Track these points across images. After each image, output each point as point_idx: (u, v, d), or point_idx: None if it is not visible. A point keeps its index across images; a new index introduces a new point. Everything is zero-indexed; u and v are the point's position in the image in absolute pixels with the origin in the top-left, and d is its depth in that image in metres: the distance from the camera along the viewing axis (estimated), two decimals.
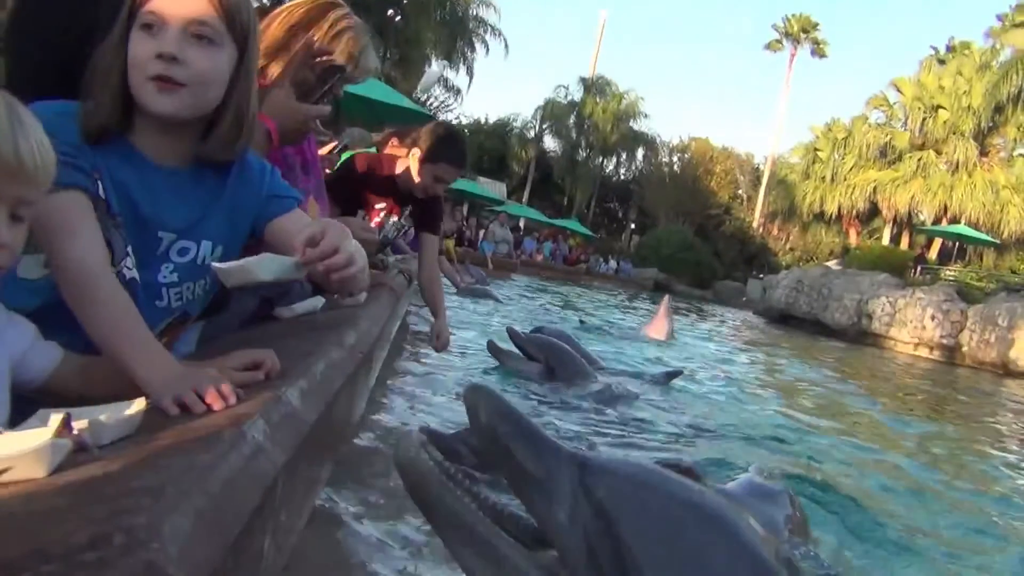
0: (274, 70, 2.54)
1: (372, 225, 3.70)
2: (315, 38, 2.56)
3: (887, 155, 40.57)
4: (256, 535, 1.08)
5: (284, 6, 2.63)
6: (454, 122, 36.34)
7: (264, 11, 2.61)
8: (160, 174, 1.60)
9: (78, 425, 1.03)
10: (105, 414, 1.10)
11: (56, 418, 1.02)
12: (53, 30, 1.88)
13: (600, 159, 49.35)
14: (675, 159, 53.10)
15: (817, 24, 52.42)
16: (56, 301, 1.45)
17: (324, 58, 2.35)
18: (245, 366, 1.43)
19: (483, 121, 48.14)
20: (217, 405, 1.25)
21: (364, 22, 2.80)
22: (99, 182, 1.49)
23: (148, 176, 1.59)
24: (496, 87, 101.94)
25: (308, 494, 1.64)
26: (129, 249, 1.54)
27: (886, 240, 38.51)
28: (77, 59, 1.76)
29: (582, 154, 48.42)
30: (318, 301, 2.64)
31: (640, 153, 50.88)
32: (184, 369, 1.34)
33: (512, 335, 5.32)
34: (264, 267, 1.38)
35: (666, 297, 11.62)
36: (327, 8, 2.66)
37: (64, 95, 1.62)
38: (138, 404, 1.17)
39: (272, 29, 2.60)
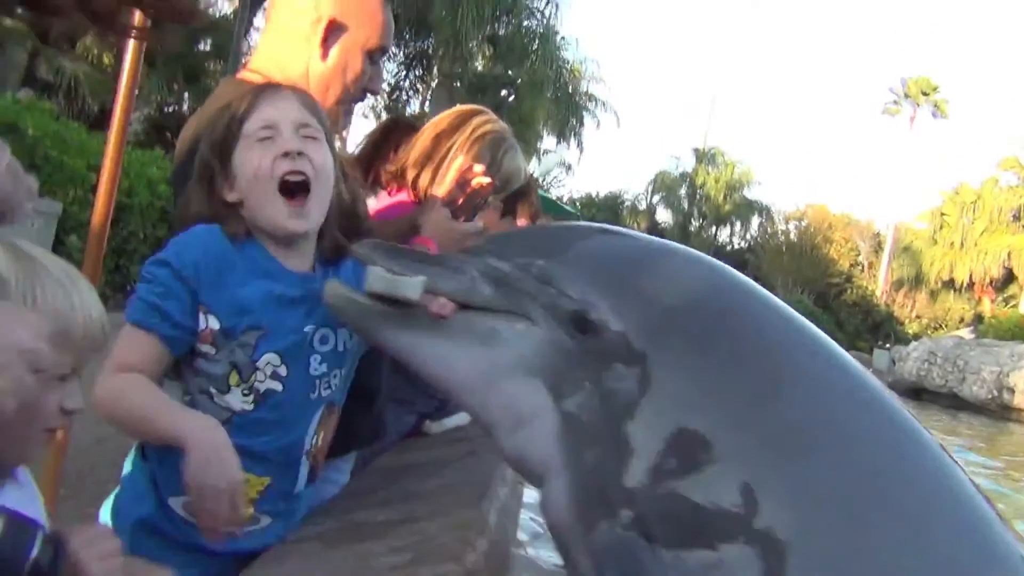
0: (424, 179, 2.56)
1: None
2: (456, 143, 2.60)
3: (1021, 219, 38.74)
4: None
5: (436, 117, 2.70)
6: (565, 197, 36.61)
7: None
8: (293, 277, 1.68)
9: None
10: None
11: None
12: None
13: (713, 229, 48.78)
14: (791, 227, 52.01)
15: (937, 87, 50.95)
16: None
17: (476, 179, 2.37)
18: None
19: (595, 195, 48.37)
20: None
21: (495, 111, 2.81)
22: (208, 315, 1.58)
23: (283, 279, 1.66)
24: (607, 161, 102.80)
25: None
26: (260, 362, 1.60)
27: None
28: None
29: (695, 224, 47.98)
30: (465, 416, 2.66)
31: (755, 222, 50.10)
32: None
33: None
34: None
35: None
36: (471, 115, 2.72)
37: None
38: None
39: (422, 139, 2.64)
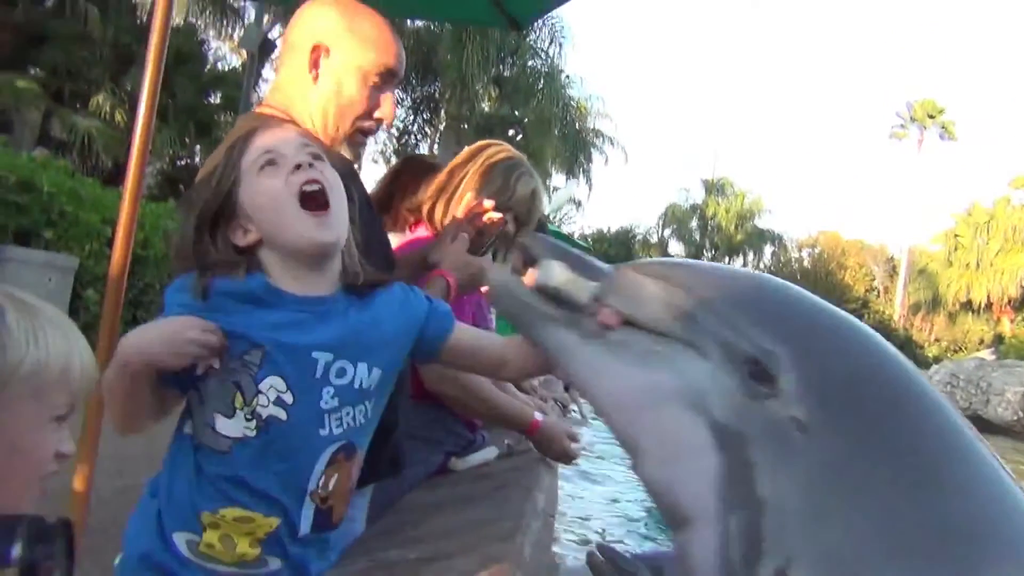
0: (438, 211, 2.59)
1: None
2: (468, 172, 2.65)
3: None
4: None
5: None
6: (576, 234, 36.66)
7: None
8: (306, 302, 1.61)
9: None
10: None
11: None
12: None
13: (726, 259, 48.72)
14: (804, 254, 51.92)
15: (943, 109, 51.00)
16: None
17: (485, 215, 2.38)
18: None
19: (606, 231, 48.50)
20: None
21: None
22: None
23: (282, 304, 1.59)
24: (616, 196, 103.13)
25: None
26: (263, 384, 1.54)
27: None
28: None
29: (707, 256, 47.97)
30: (491, 452, 2.63)
31: (768, 250, 50.09)
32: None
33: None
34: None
35: None
36: (485, 147, 2.78)
37: None
38: None
39: (440, 175, 2.68)
